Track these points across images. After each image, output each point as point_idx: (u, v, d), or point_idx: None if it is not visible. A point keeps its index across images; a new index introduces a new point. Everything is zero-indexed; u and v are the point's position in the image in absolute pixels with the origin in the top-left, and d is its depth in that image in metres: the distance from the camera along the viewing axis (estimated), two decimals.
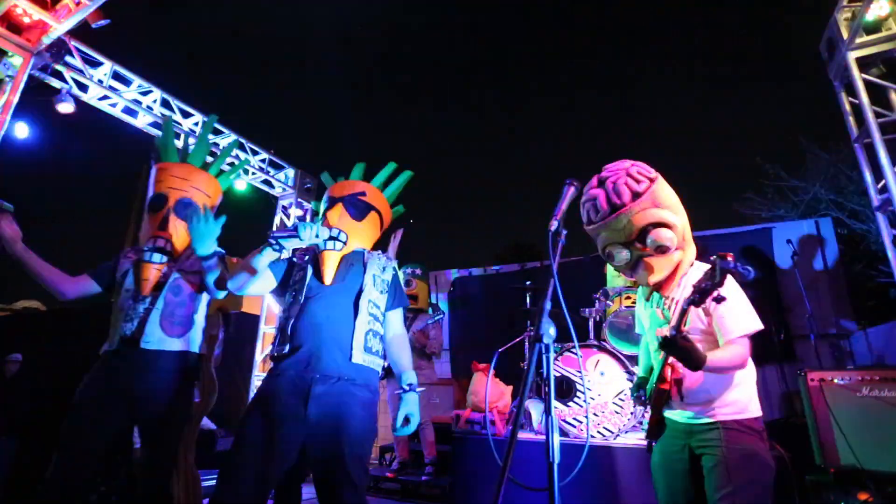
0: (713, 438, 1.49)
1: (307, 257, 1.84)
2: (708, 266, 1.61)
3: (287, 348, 1.63)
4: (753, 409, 1.53)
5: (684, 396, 1.54)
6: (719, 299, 1.34)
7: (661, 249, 1.58)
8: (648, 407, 1.67)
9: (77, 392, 1.93)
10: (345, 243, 1.81)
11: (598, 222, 1.64)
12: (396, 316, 1.89)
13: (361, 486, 1.52)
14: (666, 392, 1.54)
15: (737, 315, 1.51)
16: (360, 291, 1.76)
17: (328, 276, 1.76)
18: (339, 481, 1.49)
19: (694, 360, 1.38)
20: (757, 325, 1.51)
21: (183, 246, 2.19)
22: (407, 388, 1.74)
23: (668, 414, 1.63)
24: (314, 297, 1.72)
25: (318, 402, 1.54)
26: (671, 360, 1.50)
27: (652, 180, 1.61)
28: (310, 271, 1.79)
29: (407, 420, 1.68)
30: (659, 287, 1.67)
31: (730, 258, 1.28)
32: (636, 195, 1.58)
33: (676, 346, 1.38)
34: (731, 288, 1.53)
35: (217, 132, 5.75)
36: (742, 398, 1.53)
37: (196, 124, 5.22)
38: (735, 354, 1.47)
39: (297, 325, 1.66)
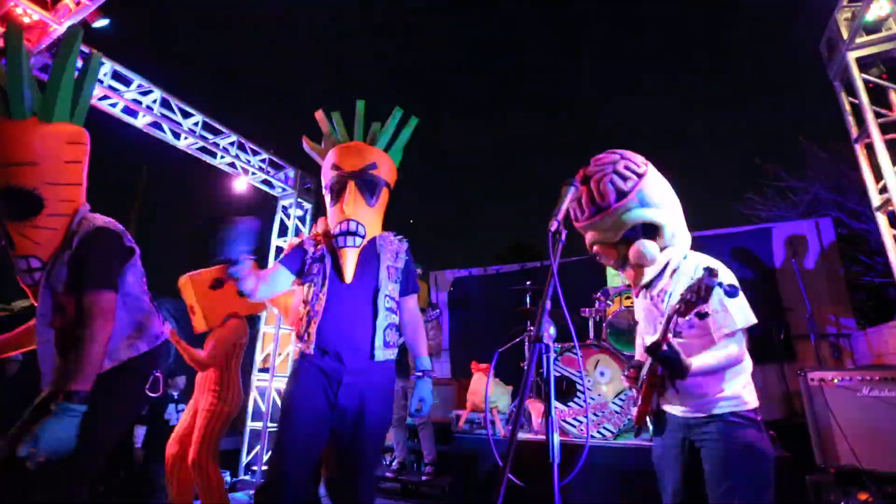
0: (711, 432, 1.47)
1: (321, 248, 1.83)
2: (702, 257, 1.61)
3: (312, 349, 1.69)
4: (750, 400, 1.51)
5: (679, 389, 1.52)
6: (703, 315, 1.33)
7: (640, 265, 1.57)
8: (638, 394, 1.66)
9: None
10: (363, 237, 1.82)
11: (583, 222, 1.65)
12: (411, 301, 1.94)
13: (374, 469, 1.72)
14: (655, 386, 1.54)
15: (729, 310, 1.47)
16: (377, 289, 1.79)
17: (348, 274, 1.76)
18: (357, 466, 1.63)
19: (678, 370, 1.39)
20: (751, 318, 1.48)
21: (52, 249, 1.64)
22: (421, 374, 1.86)
23: (666, 408, 1.61)
24: (334, 297, 1.75)
25: (346, 392, 1.66)
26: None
27: (641, 175, 1.55)
28: (328, 264, 1.79)
29: (420, 404, 1.83)
30: (650, 284, 1.65)
31: (716, 276, 1.27)
32: (621, 195, 1.53)
33: (660, 355, 1.39)
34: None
35: (217, 132, 5.75)
36: (738, 390, 1.50)
37: (196, 124, 5.23)
38: (726, 353, 1.45)
39: (321, 325, 1.70)
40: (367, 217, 1.86)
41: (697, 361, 1.40)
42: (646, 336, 1.74)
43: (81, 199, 1.73)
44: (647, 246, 1.53)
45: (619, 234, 1.57)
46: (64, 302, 1.60)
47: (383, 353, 1.75)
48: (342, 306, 1.74)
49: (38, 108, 1.64)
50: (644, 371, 1.59)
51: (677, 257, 1.61)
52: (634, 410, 1.64)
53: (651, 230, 1.56)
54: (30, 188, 1.58)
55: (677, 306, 1.35)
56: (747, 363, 1.54)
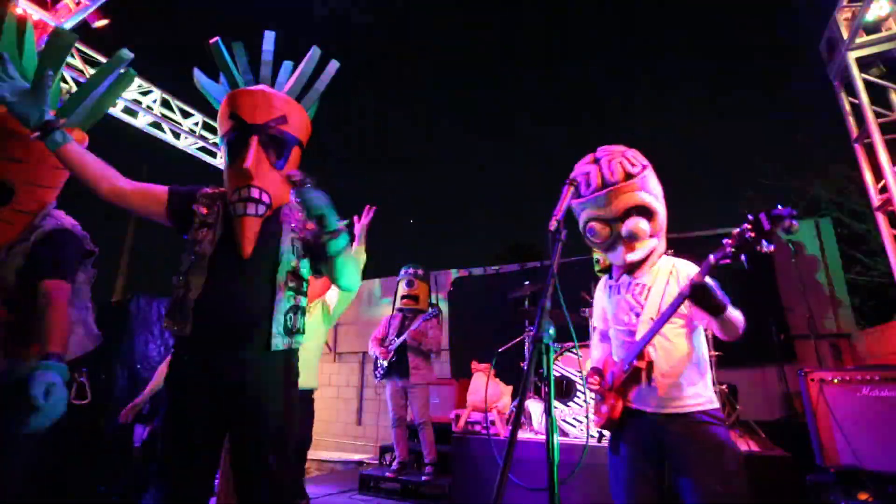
0: (685, 433, 1.50)
1: (216, 211, 1.53)
2: (678, 260, 1.68)
3: (189, 330, 1.41)
4: (715, 401, 1.58)
5: (652, 379, 1.56)
6: (758, 254, 1.29)
7: (632, 238, 1.64)
8: (602, 395, 1.68)
9: None
10: (268, 205, 1.53)
11: (587, 196, 1.69)
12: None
13: (281, 478, 1.41)
14: (640, 371, 1.56)
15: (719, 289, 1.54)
16: (278, 264, 1.50)
17: (247, 247, 1.47)
18: (260, 477, 1.37)
19: (719, 304, 1.40)
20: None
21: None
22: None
23: (637, 406, 1.61)
24: (225, 271, 1.46)
25: (234, 391, 1.40)
26: (653, 340, 1.56)
27: (644, 167, 1.68)
28: (217, 234, 1.50)
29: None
30: (631, 270, 1.71)
31: (785, 213, 1.25)
32: (629, 176, 1.64)
33: (707, 289, 1.38)
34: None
35: (217, 132, 5.75)
36: (709, 388, 1.57)
37: (196, 124, 5.23)
38: (740, 321, 1.49)
39: (204, 303, 1.42)
40: (274, 182, 1.54)
41: (729, 307, 1.42)
42: (616, 328, 1.73)
43: (52, 198, 1.80)
44: (643, 221, 1.63)
45: (619, 212, 1.64)
46: (9, 293, 1.62)
47: (283, 341, 1.47)
48: (234, 285, 1.46)
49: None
50: (628, 360, 1.60)
51: (657, 254, 1.70)
52: (604, 410, 1.65)
53: (646, 215, 1.66)
54: (8, 183, 1.64)
55: (726, 251, 1.33)
56: (706, 364, 1.61)
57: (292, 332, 1.50)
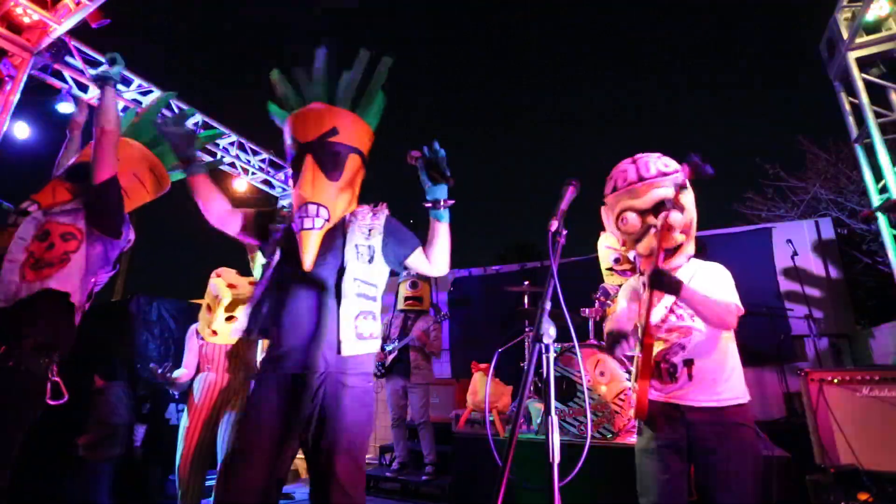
0: (715, 433, 1.53)
1: (282, 229, 1.65)
2: (702, 263, 1.76)
3: (265, 340, 1.54)
4: (747, 393, 1.63)
5: (692, 376, 1.60)
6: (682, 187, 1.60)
7: (671, 229, 1.69)
8: (635, 383, 1.66)
9: None
10: (327, 219, 1.59)
11: (622, 188, 1.77)
12: (418, 256, 1.67)
13: (351, 482, 1.43)
14: (676, 367, 1.61)
15: (732, 286, 1.67)
16: (342, 271, 1.54)
17: (307, 260, 1.52)
18: (329, 479, 1.40)
19: (672, 283, 1.55)
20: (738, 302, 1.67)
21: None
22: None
23: (674, 400, 1.63)
24: (290, 285, 1.54)
25: (308, 398, 1.45)
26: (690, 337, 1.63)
27: (676, 170, 1.77)
28: (281, 250, 1.60)
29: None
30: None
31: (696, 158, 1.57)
32: (663, 174, 1.74)
33: (657, 273, 1.55)
34: (723, 272, 1.72)
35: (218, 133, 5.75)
36: (740, 383, 1.62)
37: (196, 124, 5.23)
38: (722, 304, 1.59)
39: (274, 318, 1.53)
40: (331, 195, 1.61)
41: (686, 287, 1.56)
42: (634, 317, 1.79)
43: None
44: (678, 215, 1.70)
45: (650, 204, 1.72)
46: (50, 230, 1.79)
47: (353, 346, 1.49)
48: (298, 294, 1.53)
49: (147, 141, 2.26)
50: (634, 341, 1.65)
51: (684, 255, 1.74)
52: (634, 399, 1.64)
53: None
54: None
55: (669, 204, 1.60)
56: (738, 361, 1.67)
57: (364, 336, 1.54)
